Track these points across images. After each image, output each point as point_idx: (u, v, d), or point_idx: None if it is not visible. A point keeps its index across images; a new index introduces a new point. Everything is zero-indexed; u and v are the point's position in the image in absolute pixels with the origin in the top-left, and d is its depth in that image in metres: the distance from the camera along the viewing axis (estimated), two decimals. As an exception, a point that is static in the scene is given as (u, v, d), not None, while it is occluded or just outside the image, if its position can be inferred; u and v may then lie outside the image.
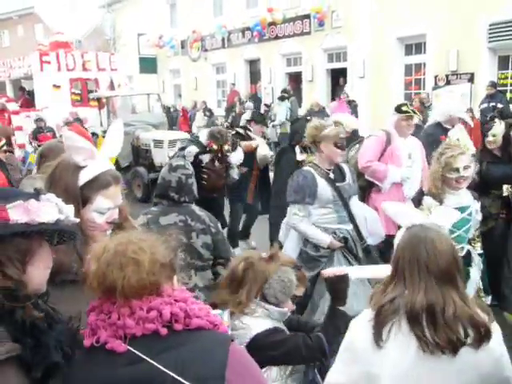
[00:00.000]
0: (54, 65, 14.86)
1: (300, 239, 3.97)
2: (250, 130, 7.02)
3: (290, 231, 4.13)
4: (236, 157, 6.31)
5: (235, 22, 19.26)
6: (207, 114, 17.54)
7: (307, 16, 16.72)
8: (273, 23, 17.81)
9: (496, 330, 1.82)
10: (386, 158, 5.00)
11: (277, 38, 18.15)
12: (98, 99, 13.37)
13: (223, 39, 20.48)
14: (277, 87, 18.26)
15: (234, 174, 6.31)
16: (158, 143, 11.56)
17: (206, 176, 5.91)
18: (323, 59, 17.02)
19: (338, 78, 16.68)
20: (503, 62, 12.54)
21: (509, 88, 12.47)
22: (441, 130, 5.66)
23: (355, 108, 12.80)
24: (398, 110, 5.14)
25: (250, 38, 19.18)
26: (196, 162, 5.75)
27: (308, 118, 8.71)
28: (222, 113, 18.63)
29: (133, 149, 12.19)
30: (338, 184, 3.96)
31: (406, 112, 5.08)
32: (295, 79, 18.33)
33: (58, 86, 14.59)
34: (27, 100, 15.94)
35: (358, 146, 5.46)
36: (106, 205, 1.85)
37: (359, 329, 1.90)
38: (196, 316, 1.44)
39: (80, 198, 1.81)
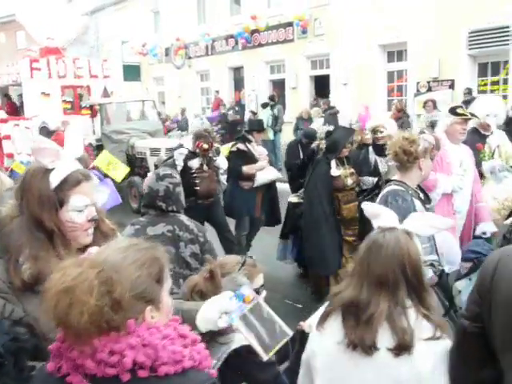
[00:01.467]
0: (44, 72, 14.32)
1: None
2: (250, 141, 6.66)
3: None
4: (222, 160, 6.20)
5: (219, 29, 19.33)
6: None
7: (290, 24, 16.85)
8: (256, 31, 17.91)
9: (436, 348, 1.82)
10: (435, 166, 4.25)
11: (260, 45, 18.25)
12: (91, 107, 12.95)
13: (207, 47, 20.53)
14: (260, 94, 18.35)
15: (223, 178, 6.21)
16: (155, 151, 11.15)
17: (198, 181, 5.83)
18: (306, 66, 17.15)
19: (321, 84, 16.80)
20: (483, 69, 12.75)
21: (489, 94, 12.66)
22: (478, 136, 5.24)
23: (335, 115, 12.87)
24: (453, 111, 4.54)
25: (234, 45, 19.25)
26: (185, 169, 5.74)
27: (351, 125, 8.36)
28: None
29: (128, 157, 11.80)
30: (427, 206, 3.45)
31: (462, 115, 4.53)
32: (279, 86, 18.43)
33: (48, 94, 14.08)
34: (12, 106, 15.53)
35: None
36: (82, 202, 1.84)
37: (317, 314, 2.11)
38: (164, 363, 1.29)
39: (56, 200, 1.80)
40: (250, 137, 6.63)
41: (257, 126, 6.98)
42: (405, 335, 1.78)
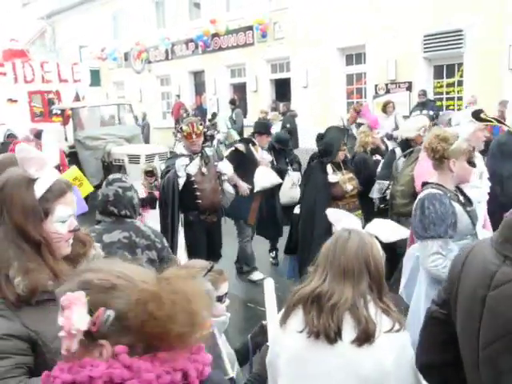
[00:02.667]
0: (9, 76, 13.50)
1: (433, 286, 2.92)
2: (253, 144, 6.27)
3: (417, 275, 3.18)
4: (224, 165, 5.65)
5: (179, 33, 19.24)
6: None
7: (250, 27, 16.90)
8: (216, 35, 17.90)
9: (397, 341, 1.85)
10: None
11: (220, 49, 18.24)
12: (63, 111, 12.08)
13: (167, 51, 20.40)
14: (222, 98, 18.33)
15: (229, 187, 5.71)
16: (134, 158, 10.61)
17: (199, 193, 5.24)
18: (267, 70, 17.23)
19: (282, 88, 16.90)
20: (438, 71, 13.05)
21: (444, 96, 12.98)
22: None
23: (294, 118, 12.97)
24: (477, 117, 4.10)
25: (194, 49, 19.19)
26: (186, 180, 5.23)
27: (344, 125, 7.81)
28: (169, 124, 18.48)
29: (104, 165, 11.17)
30: (468, 209, 3.16)
31: (487, 121, 4.14)
32: (240, 90, 18.45)
33: (15, 101, 13.34)
34: None
35: (411, 158, 4.65)
36: (66, 212, 1.80)
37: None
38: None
39: (41, 211, 1.75)
40: (254, 139, 6.33)
41: (260, 128, 6.52)
42: (369, 324, 1.82)
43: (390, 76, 13.50)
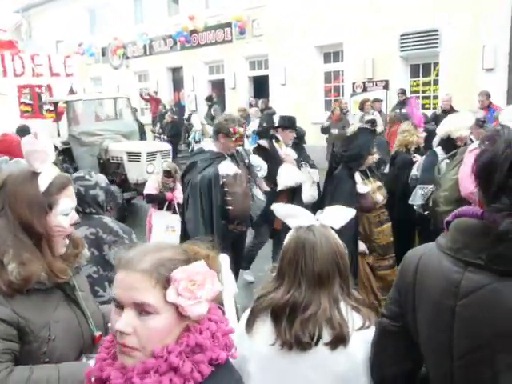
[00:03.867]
0: None
1: None
2: (278, 140, 5.76)
3: None
4: (258, 159, 5.20)
5: (157, 29, 19.11)
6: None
7: (228, 24, 16.86)
8: (194, 31, 17.82)
9: (367, 336, 1.86)
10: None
11: (199, 45, 18.17)
12: (55, 105, 11.19)
13: (145, 47, 20.25)
14: (200, 95, 18.27)
15: (259, 193, 5.06)
16: (134, 156, 9.84)
17: (230, 198, 4.63)
18: (245, 67, 17.22)
19: (260, 85, 16.91)
20: (415, 70, 13.19)
21: (421, 94, 13.12)
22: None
23: (271, 116, 12.95)
24: None
25: (172, 45, 19.08)
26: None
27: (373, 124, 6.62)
28: (148, 121, 18.37)
29: (100, 163, 10.40)
30: None
31: None
32: (218, 87, 18.41)
33: (4, 95, 12.38)
34: None
35: (455, 160, 4.17)
36: (69, 205, 1.84)
37: (242, 316, 2.02)
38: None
39: (46, 204, 1.77)
40: (278, 135, 5.79)
41: (285, 123, 5.90)
42: (342, 328, 1.82)
43: (367, 74, 13.60)
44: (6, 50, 12.75)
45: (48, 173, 1.81)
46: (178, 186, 6.23)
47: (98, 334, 1.94)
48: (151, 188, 6.49)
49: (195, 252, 1.34)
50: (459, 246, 1.42)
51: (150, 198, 6.42)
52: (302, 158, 6.07)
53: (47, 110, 12.25)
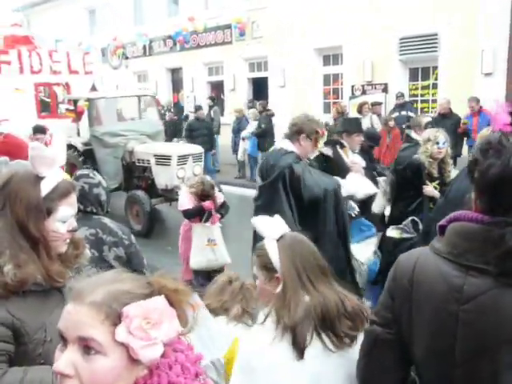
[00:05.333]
0: (15, 66, 11.52)
1: None
2: (342, 146, 4.97)
3: None
4: (359, 157, 4.78)
5: (157, 30, 19.13)
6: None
7: (228, 26, 16.89)
8: (194, 32, 17.85)
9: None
10: None
11: (198, 46, 18.20)
12: (75, 103, 10.29)
13: (144, 47, 20.27)
14: (199, 96, 18.29)
15: (353, 205, 4.51)
16: (163, 159, 9.00)
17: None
18: (244, 68, 17.26)
19: (259, 86, 16.94)
20: (413, 74, 13.23)
21: (419, 98, 13.16)
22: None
23: (270, 118, 12.98)
24: None
25: (172, 46, 19.11)
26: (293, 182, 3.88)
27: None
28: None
29: (124, 166, 9.62)
30: None
31: None
32: (217, 88, 18.44)
33: (21, 90, 11.46)
34: None
35: None
36: (69, 213, 1.83)
37: (267, 350, 1.77)
38: None
39: (44, 209, 1.77)
40: (343, 140, 5.01)
41: (350, 127, 5.14)
42: (366, 314, 1.84)
43: (366, 77, 13.64)
44: (23, 46, 11.97)
45: (52, 178, 1.81)
46: (220, 197, 5.74)
47: None
48: (186, 202, 5.66)
49: (161, 285, 1.17)
50: (460, 251, 1.41)
51: (189, 214, 5.63)
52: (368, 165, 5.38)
53: (66, 110, 11.50)
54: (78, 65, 12.68)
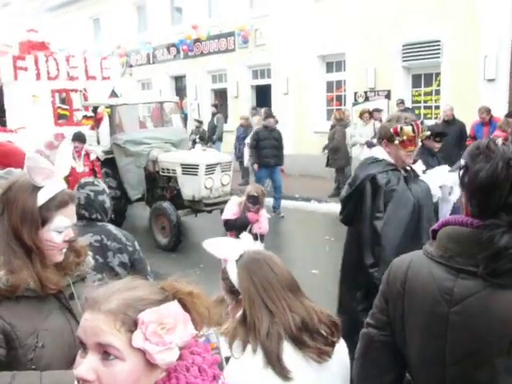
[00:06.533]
0: (31, 72, 11.21)
1: None
2: None
3: None
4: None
5: (160, 38, 19.23)
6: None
7: (231, 33, 16.97)
8: (198, 40, 17.93)
9: None
10: None
11: (202, 54, 18.28)
12: (95, 109, 9.90)
13: (148, 55, 20.37)
14: (203, 103, 18.35)
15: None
16: (190, 168, 8.59)
17: None
18: (248, 76, 17.31)
19: (263, 93, 16.98)
20: (416, 80, 13.25)
21: (422, 104, 13.17)
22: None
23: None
24: None
25: (176, 54, 19.19)
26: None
27: None
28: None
29: (148, 175, 9.28)
30: None
31: None
32: (221, 95, 18.50)
33: (38, 97, 11.23)
34: None
35: None
36: (64, 223, 1.83)
37: (256, 382, 1.69)
38: None
39: (39, 219, 1.78)
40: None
41: (433, 131, 4.85)
42: (336, 319, 1.85)
43: (369, 84, 13.66)
44: (39, 52, 11.77)
45: (51, 188, 1.82)
46: (264, 214, 5.55)
47: None
48: (230, 213, 5.53)
49: (176, 290, 1.20)
50: (451, 254, 1.45)
51: (230, 225, 5.48)
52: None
53: (84, 117, 11.21)
54: (96, 70, 12.37)
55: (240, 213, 5.46)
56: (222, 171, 8.79)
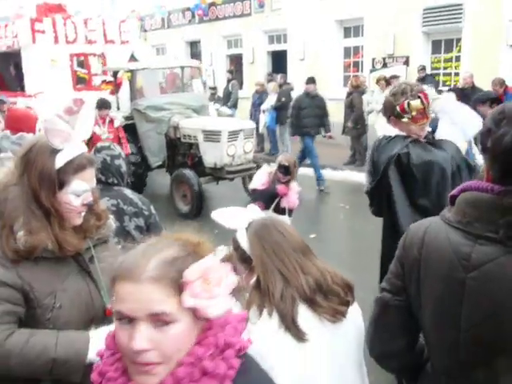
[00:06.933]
0: (49, 35, 10.88)
1: None
2: None
3: None
4: None
5: (175, 2, 18.98)
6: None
7: (247, -3, 16.68)
8: (213, 4, 17.65)
9: None
10: None
11: (217, 19, 18.02)
12: (115, 74, 9.60)
13: (163, 19, 20.14)
14: (218, 69, 18.17)
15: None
16: (212, 135, 8.45)
17: None
18: (264, 41, 17.06)
19: (279, 59, 16.75)
20: (436, 46, 12.95)
21: (442, 71, 12.90)
22: None
23: (289, 91, 12.83)
24: None
25: (191, 18, 18.95)
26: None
27: None
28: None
29: (168, 142, 9.16)
30: None
31: None
32: (236, 61, 18.29)
33: (56, 61, 10.92)
34: (1, 79, 12.42)
35: None
36: (82, 187, 1.85)
37: (272, 346, 1.69)
38: None
39: (57, 180, 1.80)
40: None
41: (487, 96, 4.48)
42: (350, 281, 1.88)
43: (387, 50, 13.38)
44: (57, 14, 11.47)
45: (69, 151, 1.83)
46: (294, 187, 5.22)
47: (110, 306, 1.97)
48: (259, 183, 5.26)
49: (191, 243, 1.21)
50: (469, 220, 1.45)
51: (257, 194, 5.23)
52: None
53: (103, 81, 10.95)
54: (114, 34, 12.04)
55: (269, 183, 5.17)
56: (245, 138, 8.65)
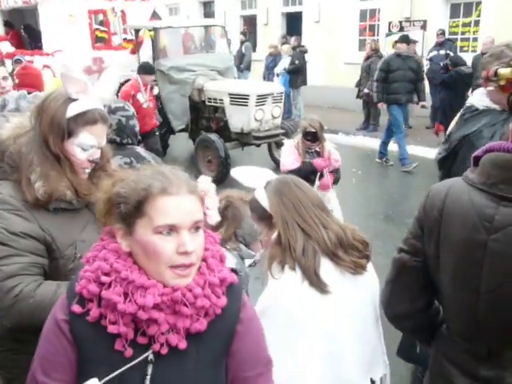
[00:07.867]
0: None
1: None
2: None
3: None
4: None
5: (189, -40, 18.59)
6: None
7: (263, -44, 16.29)
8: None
9: None
10: None
11: (231, -22, 17.66)
12: (137, 32, 9.27)
13: (176, -22, 19.76)
14: (231, 31, 17.86)
15: None
16: (239, 99, 8.14)
17: None
18: (279, 2, 16.71)
19: (293, 21, 16.45)
20: (455, 10, 12.65)
21: (459, 36, 12.63)
22: None
23: (303, 54, 12.62)
24: None
25: (204, -23, 18.59)
26: None
27: None
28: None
29: (192, 105, 8.81)
30: None
31: None
32: (250, 22, 17.99)
33: (74, 17, 10.47)
34: (16, 36, 11.93)
35: None
36: (90, 141, 1.85)
37: (297, 297, 1.75)
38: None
39: (66, 129, 1.80)
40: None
41: None
42: (366, 239, 1.93)
43: (404, 13, 13.10)
44: None
45: (83, 103, 1.82)
46: (331, 151, 4.64)
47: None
48: (291, 161, 4.52)
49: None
50: (494, 181, 1.42)
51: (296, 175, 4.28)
52: None
53: (124, 39, 10.65)
54: None
55: (300, 157, 4.52)
56: (273, 102, 8.33)
